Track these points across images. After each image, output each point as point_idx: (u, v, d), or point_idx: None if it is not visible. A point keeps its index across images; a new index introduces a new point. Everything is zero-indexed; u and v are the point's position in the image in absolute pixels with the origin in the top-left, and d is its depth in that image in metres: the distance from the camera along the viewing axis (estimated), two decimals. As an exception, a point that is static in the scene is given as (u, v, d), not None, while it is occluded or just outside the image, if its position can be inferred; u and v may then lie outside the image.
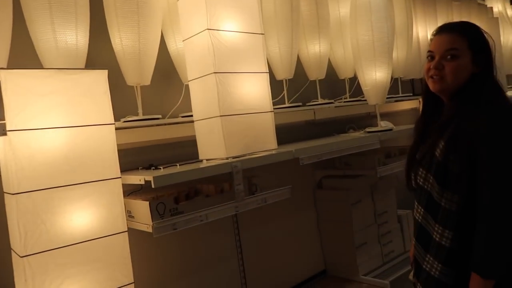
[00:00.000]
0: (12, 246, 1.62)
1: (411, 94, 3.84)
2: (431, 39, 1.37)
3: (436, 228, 1.28)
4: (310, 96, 3.20)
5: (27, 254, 1.46)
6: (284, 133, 3.13)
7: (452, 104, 1.32)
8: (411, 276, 1.47)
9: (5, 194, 1.61)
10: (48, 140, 1.53)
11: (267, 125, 2.24)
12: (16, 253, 1.53)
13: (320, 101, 3.10)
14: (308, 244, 3.22)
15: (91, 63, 2.16)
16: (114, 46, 2.12)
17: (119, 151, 2.23)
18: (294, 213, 3.15)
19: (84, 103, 1.63)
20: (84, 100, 1.63)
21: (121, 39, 2.07)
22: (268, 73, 2.25)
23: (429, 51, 1.33)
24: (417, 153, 1.38)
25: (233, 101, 2.09)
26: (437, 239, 1.27)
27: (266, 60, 2.30)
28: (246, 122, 2.14)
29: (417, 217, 1.38)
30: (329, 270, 3.30)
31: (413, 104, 4.16)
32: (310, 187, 3.32)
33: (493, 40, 1.30)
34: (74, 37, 1.88)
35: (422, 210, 1.34)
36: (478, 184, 1.20)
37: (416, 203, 1.39)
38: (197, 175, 1.92)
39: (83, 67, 1.95)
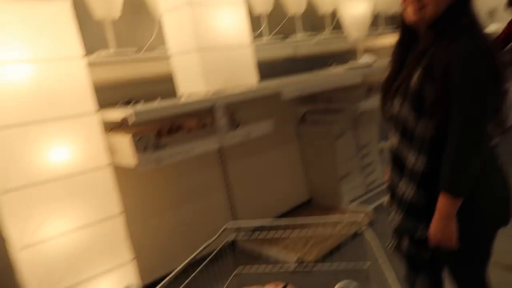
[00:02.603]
0: (-6, 184, 1.61)
1: (394, 28, 3.78)
2: None
3: (410, 155, 1.33)
4: (291, 32, 3.12)
5: (9, 189, 1.46)
6: (265, 69, 3.08)
7: (428, 34, 1.31)
8: (385, 202, 1.54)
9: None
10: (15, 74, 1.47)
11: (247, 59, 2.20)
12: (-1, 190, 1.54)
13: (300, 36, 3.02)
14: (293, 176, 3.31)
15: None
16: (81, -25, 1.98)
17: (95, 88, 2.20)
18: (278, 147, 3.20)
19: (50, 35, 1.55)
20: (48, 32, 1.55)
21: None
22: (244, 5, 2.16)
23: None
24: (394, 83, 1.39)
25: (211, 34, 2.02)
26: (410, 165, 1.32)
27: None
28: (225, 56, 2.09)
29: (392, 145, 1.42)
30: (314, 199, 3.43)
31: (396, 38, 4.09)
32: (293, 122, 3.34)
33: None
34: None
35: (398, 137, 1.37)
36: (451, 111, 1.23)
37: (392, 132, 1.42)
38: (177, 110, 1.90)
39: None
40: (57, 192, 1.57)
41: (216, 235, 1.18)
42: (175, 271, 1.02)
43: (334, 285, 1.31)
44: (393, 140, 1.41)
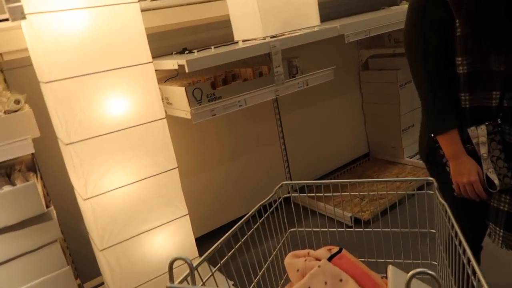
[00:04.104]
0: (57, 135, 1.65)
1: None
2: None
3: None
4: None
5: (71, 142, 1.48)
6: (328, 8, 2.82)
7: None
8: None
9: (40, 84, 1.58)
10: (71, 23, 1.42)
11: (308, -2, 1.98)
12: (62, 142, 1.56)
13: (369, -33, 2.69)
14: (352, 127, 3.14)
15: None
16: None
17: (149, 35, 2.11)
18: (337, 96, 3.01)
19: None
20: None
21: None
22: None
23: None
24: None
25: (268, -30, 1.82)
26: None
27: None
28: (284, -6, 1.89)
29: None
30: (373, 152, 3.26)
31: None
32: (355, 68, 3.10)
33: None
34: None
35: None
36: None
37: None
38: (232, 58, 1.78)
39: None
40: (115, 144, 1.57)
41: (272, 194, 1.11)
42: (230, 231, 0.97)
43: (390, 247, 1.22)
44: None
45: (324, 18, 2.80)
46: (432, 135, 1.26)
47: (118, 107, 1.56)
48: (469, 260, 0.77)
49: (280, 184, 1.17)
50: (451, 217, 0.91)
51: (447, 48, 1.17)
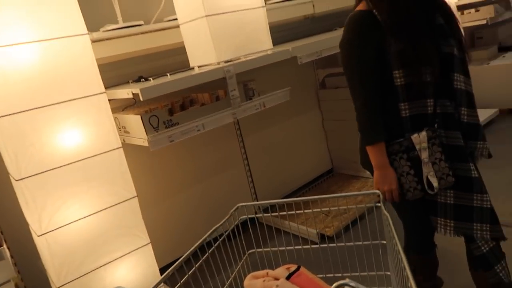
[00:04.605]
0: (8, 171, 1.60)
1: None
2: None
3: None
4: (307, -12, 2.91)
5: (22, 177, 1.44)
6: (281, 32, 2.92)
7: None
8: None
9: (-12, 120, 1.54)
10: (19, 57, 1.41)
11: (260, 22, 2.05)
12: (13, 177, 1.52)
13: (319, -9, 2.82)
14: (314, 144, 3.21)
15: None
16: None
17: (104, 65, 2.11)
18: (298, 115, 3.08)
19: (50, 14, 1.47)
20: (49, 10, 1.47)
21: None
22: (255, -38, 1.99)
23: None
24: None
25: (218, -2, 1.88)
26: None
27: None
28: (236, 20, 1.95)
29: None
30: (336, 167, 3.33)
31: None
32: (313, 88, 3.20)
33: None
34: None
35: None
36: None
37: None
38: (186, 84, 1.80)
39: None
40: (70, 177, 1.54)
41: (227, 216, 1.12)
42: (185, 255, 0.97)
43: (353, 261, 1.26)
44: None
45: (278, 41, 2.90)
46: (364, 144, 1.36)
47: (71, 139, 1.54)
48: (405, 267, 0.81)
49: (235, 207, 1.18)
50: (391, 226, 0.96)
51: (383, 63, 1.26)
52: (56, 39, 1.49)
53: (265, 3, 2.64)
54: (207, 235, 1.07)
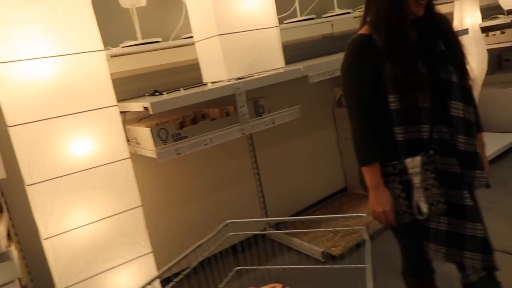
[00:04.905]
0: (23, 176, 1.69)
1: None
2: None
3: None
4: (326, 8, 2.94)
5: (33, 182, 1.53)
6: (300, 50, 2.96)
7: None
8: None
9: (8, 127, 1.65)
10: (37, 71, 1.51)
11: (272, 42, 2.10)
12: (25, 182, 1.61)
13: (338, 11, 2.85)
14: (329, 162, 3.20)
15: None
16: (102, -35, 1.98)
17: (123, 78, 2.22)
18: (313, 132, 3.09)
19: (69, 30, 1.57)
20: (68, 27, 1.57)
21: (107, -44, 1.93)
22: (269, -16, 2.04)
23: None
24: None
25: (232, 17, 1.94)
26: None
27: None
28: (249, 40, 2.00)
29: None
30: (350, 187, 3.30)
31: (449, 8, 3.75)
32: (330, 105, 3.20)
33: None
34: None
35: None
36: None
37: None
38: (196, 99, 1.87)
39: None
40: (78, 184, 1.62)
41: (214, 232, 1.15)
42: (161, 271, 1.01)
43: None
44: None
45: (296, 59, 2.94)
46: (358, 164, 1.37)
47: (82, 148, 1.62)
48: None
49: (224, 223, 1.21)
50: (368, 251, 0.96)
51: (380, 87, 1.27)
52: (74, 54, 1.58)
53: (284, 22, 2.70)
54: (190, 250, 1.10)
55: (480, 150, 1.36)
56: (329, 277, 1.30)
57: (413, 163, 1.26)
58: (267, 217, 2.88)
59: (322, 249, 2.46)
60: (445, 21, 1.38)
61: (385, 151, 1.32)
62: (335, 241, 2.56)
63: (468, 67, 1.37)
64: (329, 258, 2.47)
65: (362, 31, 1.36)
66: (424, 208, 1.27)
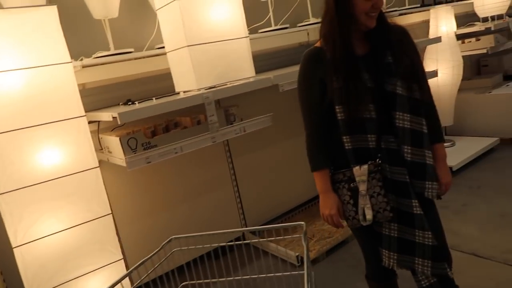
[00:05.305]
0: (-6, 185, 1.73)
1: (419, 5, 3.53)
2: None
3: None
4: (302, 17, 3.01)
5: (1, 192, 1.57)
6: (278, 57, 3.02)
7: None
8: None
9: (-22, 138, 1.69)
10: (5, 83, 1.55)
11: (242, 52, 2.15)
12: (-5, 192, 1.64)
13: (312, 20, 2.92)
14: (306, 168, 3.22)
15: (55, 0, 2.11)
16: (74, -22, 2.03)
17: (97, 88, 2.26)
18: (290, 139, 3.14)
19: (37, 43, 1.62)
20: (36, 40, 1.61)
21: (79, -30, 1.98)
22: (237, -4, 2.10)
23: None
24: None
25: (200, 28, 1.99)
26: None
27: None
28: (218, 50, 2.06)
29: None
30: (329, 192, 3.35)
31: (423, 16, 3.84)
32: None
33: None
34: (26, -28, 1.80)
35: None
36: None
37: None
38: (165, 109, 1.91)
39: (44, 3, 1.90)
40: (47, 193, 1.66)
41: (157, 249, 1.19)
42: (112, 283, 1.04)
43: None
44: None
45: (274, 66, 3.01)
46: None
47: (51, 158, 1.66)
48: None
49: (168, 239, 1.25)
50: (305, 257, 1.01)
51: (328, 98, 1.33)
52: (41, 67, 1.63)
53: (259, 32, 2.76)
54: (134, 268, 1.13)
55: (437, 161, 1.39)
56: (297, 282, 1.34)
57: (360, 171, 1.32)
58: (245, 223, 2.93)
59: (297, 253, 2.51)
60: (399, 32, 1.41)
61: (336, 159, 1.38)
62: (310, 245, 2.61)
63: (422, 78, 1.39)
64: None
65: (317, 44, 1.42)
66: (368, 214, 1.32)
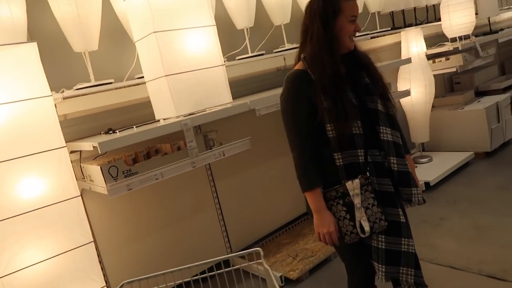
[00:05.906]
0: (-24, 218, 1.75)
1: (390, 28, 3.70)
2: (348, 4, 1.44)
3: None
4: (278, 43, 3.14)
5: (-18, 224, 1.59)
6: (257, 82, 3.13)
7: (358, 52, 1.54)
8: None
9: (-40, 172, 1.72)
10: (-15, 118, 1.60)
11: (219, 79, 2.24)
12: (-23, 224, 1.67)
13: (288, 46, 3.04)
14: (289, 188, 3.31)
15: (36, 35, 2.19)
16: (54, 14, 2.11)
17: (78, 118, 2.32)
18: (272, 160, 3.22)
19: (17, 78, 1.68)
20: (16, 75, 1.67)
21: (58, 6, 2.06)
22: (214, 26, 2.21)
23: (353, 16, 1.45)
24: None
25: (177, 59, 2.08)
26: None
27: (213, 13, 2.26)
28: (195, 78, 2.14)
29: None
30: (311, 211, 3.41)
31: (394, 38, 4.02)
32: (285, 134, 3.35)
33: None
34: (7, 9, 1.88)
35: None
36: None
37: None
38: (145, 137, 1.98)
39: (25, 40, 1.97)
40: (28, 224, 1.68)
41: None
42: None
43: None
44: None
45: (254, 91, 3.11)
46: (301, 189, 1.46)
47: (32, 189, 1.70)
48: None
49: (120, 284, 1.30)
50: (272, 279, 1.06)
51: (317, 117, 1.41)
52: (21, 101, 1.68)
53: (236, 59, 2.87)
54: None
55: (411, 169, 1.50)
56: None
57: (353, 185, 1.38)
58: (229, 245, 2.96)
59: (280, 274, 2.54)
60: (366, 56, 1.55)
61: (327, 177, 1.43)
62: (294, 265, 2.65)
63: (390, 96, 1.53)
64: (288, 282, 2.55)
65: (298, 67, 1.50)
66: (366, 226, 1.37)
